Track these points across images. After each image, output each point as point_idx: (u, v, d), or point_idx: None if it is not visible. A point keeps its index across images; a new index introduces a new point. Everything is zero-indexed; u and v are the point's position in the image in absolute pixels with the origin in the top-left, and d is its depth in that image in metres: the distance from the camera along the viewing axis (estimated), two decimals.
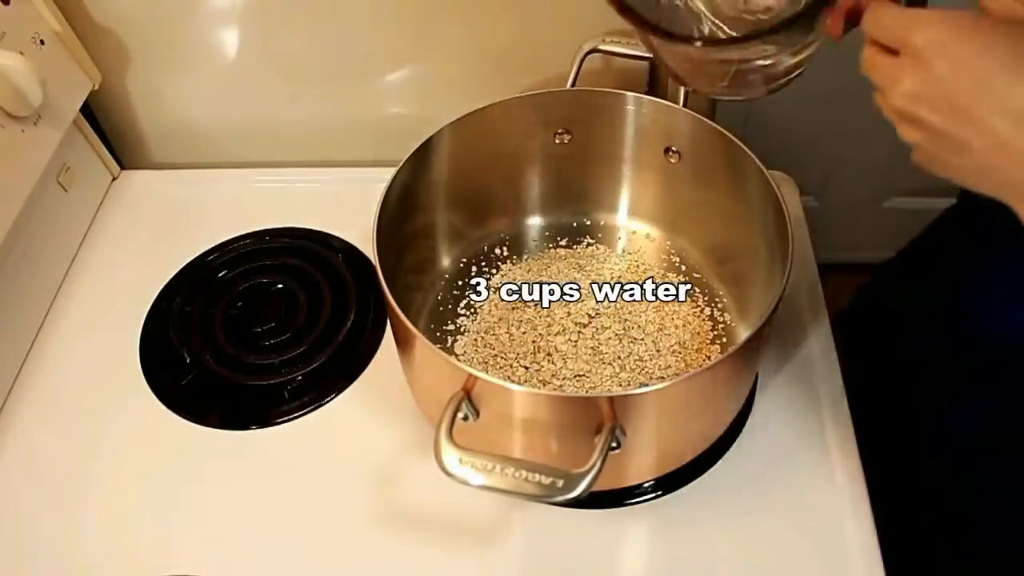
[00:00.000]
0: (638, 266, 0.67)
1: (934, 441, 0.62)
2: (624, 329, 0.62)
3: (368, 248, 0.54)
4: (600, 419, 0.47)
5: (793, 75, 0.44)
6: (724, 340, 0.62)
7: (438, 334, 0.64)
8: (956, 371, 0.60)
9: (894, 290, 0.68)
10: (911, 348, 0.64)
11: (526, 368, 0.60)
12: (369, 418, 0.61)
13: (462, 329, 0.64)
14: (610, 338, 0.61)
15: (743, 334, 0.62)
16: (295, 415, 0.62)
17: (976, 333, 0.56)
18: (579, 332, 0.62)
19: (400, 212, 0.57)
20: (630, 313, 0.63)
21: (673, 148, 0.63)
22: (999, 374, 0.56)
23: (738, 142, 0.57)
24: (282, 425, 0.61)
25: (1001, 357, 0.55)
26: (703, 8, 0.44)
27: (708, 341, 0.62)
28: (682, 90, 0.62)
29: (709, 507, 0.56)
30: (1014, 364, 0.55)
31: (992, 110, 0.34)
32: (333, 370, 0.64)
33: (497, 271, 0.67)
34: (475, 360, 0.61)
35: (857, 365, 0.63)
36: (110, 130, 0.80)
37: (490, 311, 0.64)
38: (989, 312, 0.55)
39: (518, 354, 0.61)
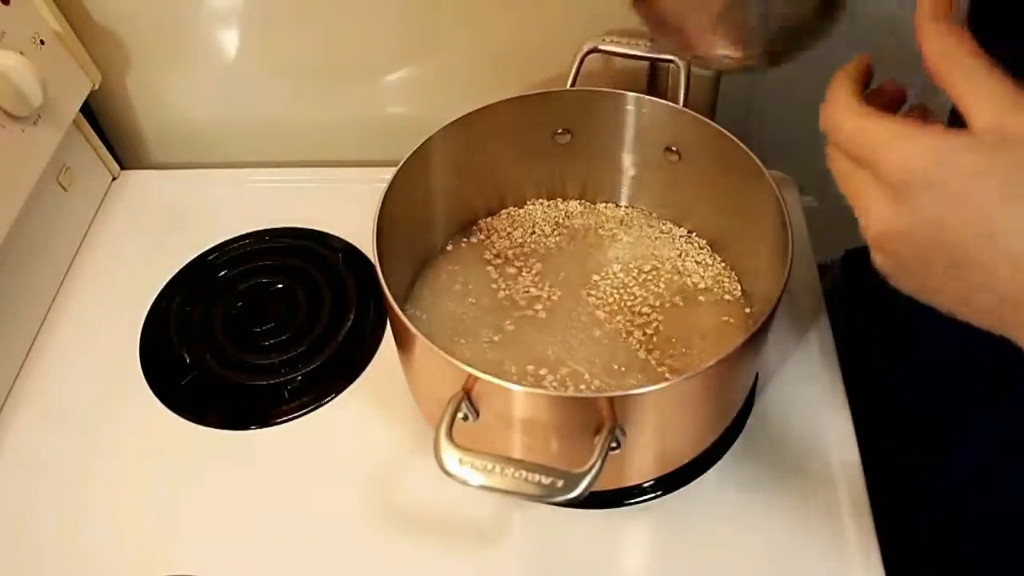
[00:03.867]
0: (636, 266, 0.67)
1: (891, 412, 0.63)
2: (623, 328, 0.62)
3: (368, 248, 0.54)
4: (600, 419, 0.47)
5: (800, 40, 0.38)
6: (723, 340, 0.62)
7: None
8: (899, 345, 0.61)
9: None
10: (869, 319, 0.64)
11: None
12: (369, 418, 0.61)
13: None
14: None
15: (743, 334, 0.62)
16: (295, 415, 0.62)
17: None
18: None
19: (400, 212, 0.57)
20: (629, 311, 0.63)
21: (673, 148, 0.63)
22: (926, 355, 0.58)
23: (738, 142, 0.57)
24: (282, 425, 0.61)
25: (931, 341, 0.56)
26: None
27: (706, 340, 0.62)
28: (682, 90, 0.62)
29: (709, 507, 0.56)
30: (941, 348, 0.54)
31: (991, 253, 0.28)
32: (333, 370, 0.64)
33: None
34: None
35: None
36: (110, 130, 0.80)
37: None
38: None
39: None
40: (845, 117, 0.31)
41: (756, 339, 0.49)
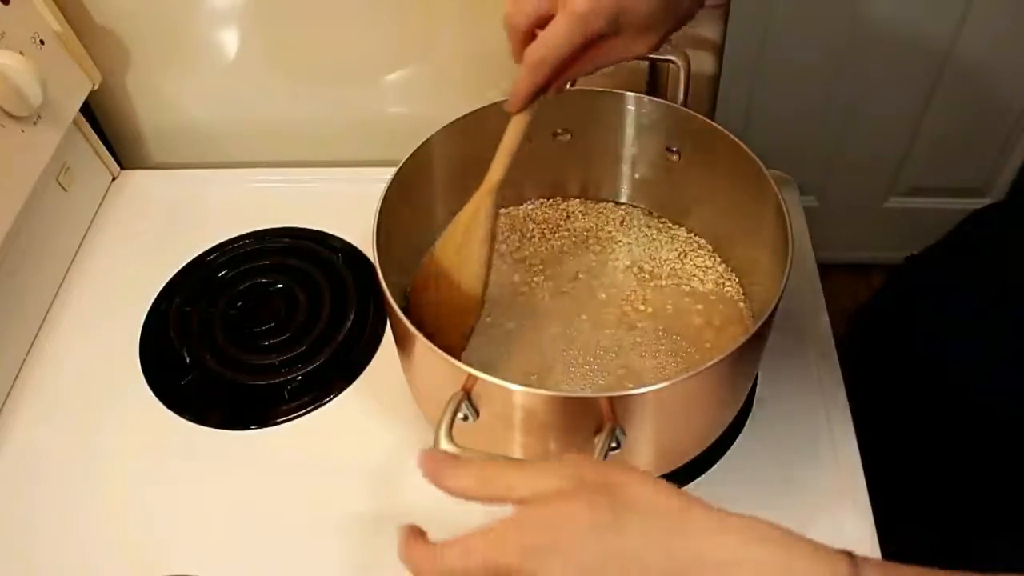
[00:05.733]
0: (637, 265, 0.67)
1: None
2: (623, 328, 0.62)
3: (368, 248, 0.54)
4: (600, 419, 0.47)
5: None
6: (723, 340, 0.62)
7: None
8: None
9: (929, 282, 0.69)
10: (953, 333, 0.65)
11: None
12: (369, 418, 0.61)
13: None
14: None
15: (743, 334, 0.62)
16: (295, 415, 0.62)
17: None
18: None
19: (400, 212, 0.57)
20: (629, 311, 0.63)
21: (673, 148, 0.63)
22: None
23: (738, 142, 0.57)
24: (282, 425, 0.61)
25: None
26: None
27: (707, 340, 0.62)
28: (682, 90, 0.62)
29: None
30: None
31: None
32: (333, 370, 0.64)
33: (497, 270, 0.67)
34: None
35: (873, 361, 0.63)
36: (110, 130, 0.81)
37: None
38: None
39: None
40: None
41: (756, 339, 0.49)
